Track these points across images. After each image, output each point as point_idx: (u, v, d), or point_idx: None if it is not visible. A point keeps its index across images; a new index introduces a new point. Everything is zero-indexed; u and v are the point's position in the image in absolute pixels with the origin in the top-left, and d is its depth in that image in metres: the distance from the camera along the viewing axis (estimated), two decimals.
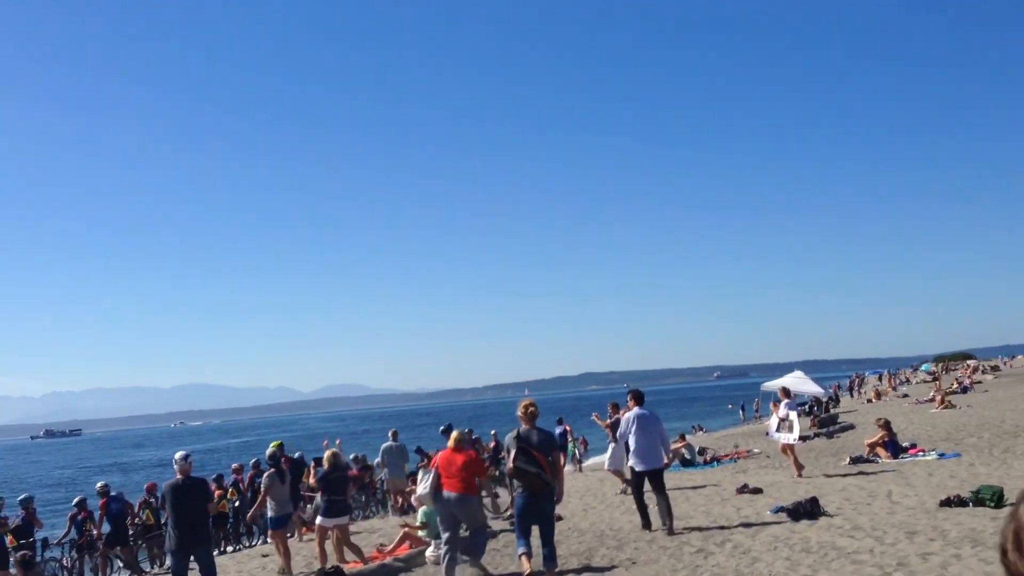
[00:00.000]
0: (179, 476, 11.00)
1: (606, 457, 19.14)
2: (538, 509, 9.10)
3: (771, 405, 20.80)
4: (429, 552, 11.63)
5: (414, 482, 21.05)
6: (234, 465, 20.74)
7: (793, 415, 17.79)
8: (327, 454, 13.00)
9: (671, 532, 11.76)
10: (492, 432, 28.35)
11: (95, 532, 15.66)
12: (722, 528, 12.09)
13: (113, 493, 15.90)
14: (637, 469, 12.26)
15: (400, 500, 19.02)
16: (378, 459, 20.88)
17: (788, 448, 17.90)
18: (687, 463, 22.65)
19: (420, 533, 13.05)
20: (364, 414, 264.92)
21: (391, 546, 13.45)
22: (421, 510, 13.27)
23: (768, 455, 23.38)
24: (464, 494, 9.69)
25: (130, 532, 15.87)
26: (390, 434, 19.60)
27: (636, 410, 12.25)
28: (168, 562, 10.95)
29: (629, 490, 15.70)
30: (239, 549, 18.19)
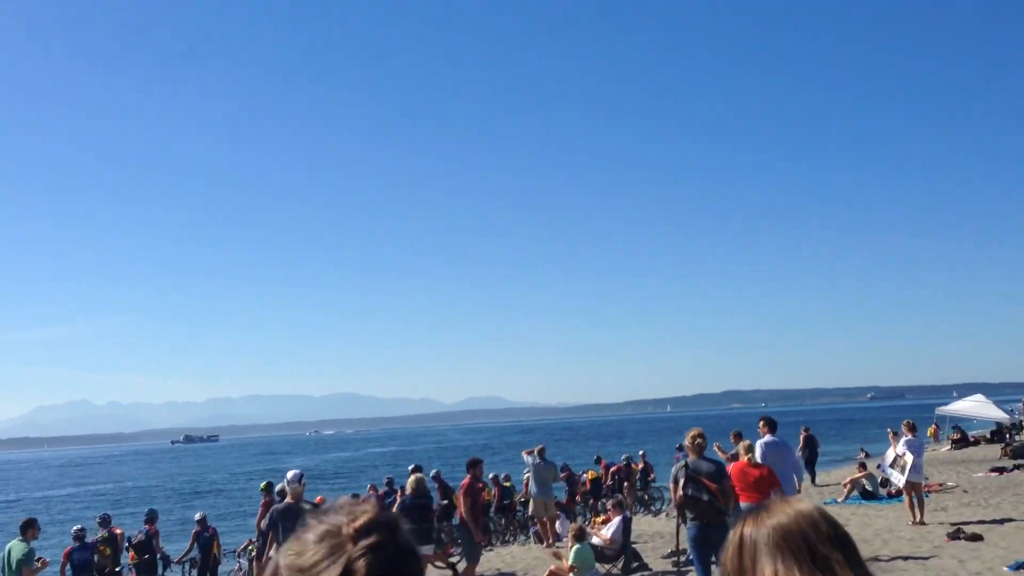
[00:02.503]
0: (290, 499, 9.60)
1: None
2: (713, 539, 8.65)
3: (889, 436, 18.41)
4: None
5: (561, 507, 19.18)
6: (369, 486, 19.46)
7: (910, 457, 15.30)
8: (410, 480, 12.50)
9: None
10: (641, 453, 26.30)
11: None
12: None
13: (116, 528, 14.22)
14: None
15: (547, 527, 17.10)
16: (524, 478, 19.08)
17: (910, 489, 15.30)
18: (868, 495, 19.77)
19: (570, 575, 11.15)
20: (504, 427, 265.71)
21: None
22: (574, 549, 11.36)
23: (966, 489, 20.18)
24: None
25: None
26: (536, 451, 17.72)
27: (768, 437, 11.82)
28: None
29: None
30: None
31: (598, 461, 24.76)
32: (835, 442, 63.42)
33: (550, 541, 16.55)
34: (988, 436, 39.38)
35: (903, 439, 16.11)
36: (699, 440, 9.10)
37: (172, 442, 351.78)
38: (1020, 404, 71.06)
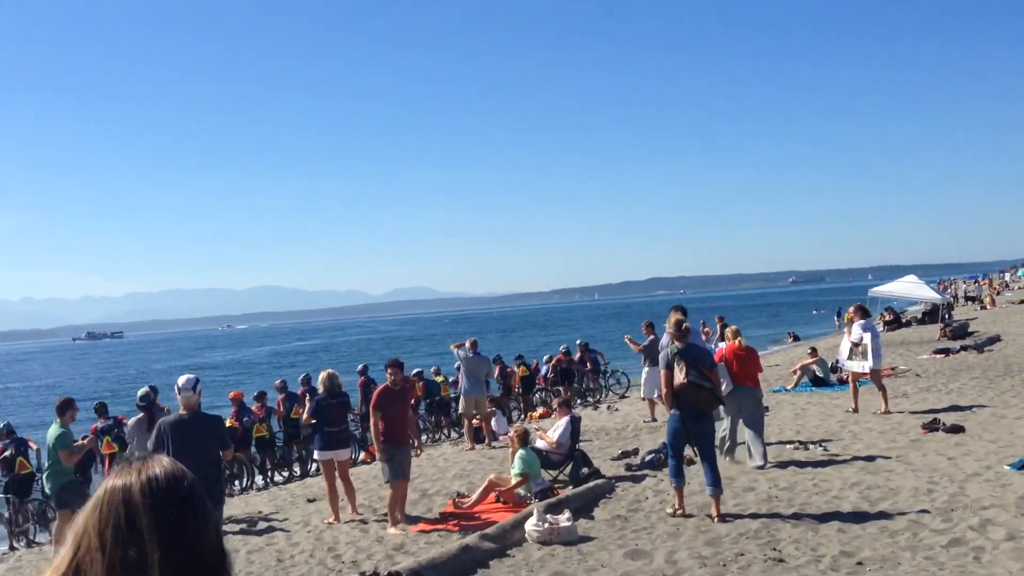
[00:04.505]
0: (182, 410, 7.62)
1: (640, 383, 16.35)
2: (701, 429, 8.44)
3: (838, 324, 17.38)
4: (530, 525, 7.99)
5: (496, 404, 17.67)
6: (276, 382, 17.51)
7: (868, 338, 14.24)
8: (321, 377, 10.72)
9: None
10: (579, 343, 24.91)
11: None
12: (955, 498, 8.25)
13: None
14: None
15: (480, 423, 15.53)
16: (454, 376, 17.46)
17: (877, 377, 14.29)
18: (819, 382, 18.72)
19: (519, 490, 9.58)
20: (432, 318, 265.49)
21: (471, 499, 10.01)
22: (518, 455, 9.75)
23: (919, 373, 19.34)
24: (753, 387, 10.78)
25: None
26: (468, 344, 15.97)
27: None
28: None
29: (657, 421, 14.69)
30: (289, 480, 15.22)
31: (519, 357, 23.04)
32: (762, 327, 63.79)
33: (488, 442, 15.06)
34: (919, 317, 39.29)
35: (856, 324, 14.90)
36: (686, 325, 8.72)
37: (73, 339, 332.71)
38: (936, 285, 72.83)
